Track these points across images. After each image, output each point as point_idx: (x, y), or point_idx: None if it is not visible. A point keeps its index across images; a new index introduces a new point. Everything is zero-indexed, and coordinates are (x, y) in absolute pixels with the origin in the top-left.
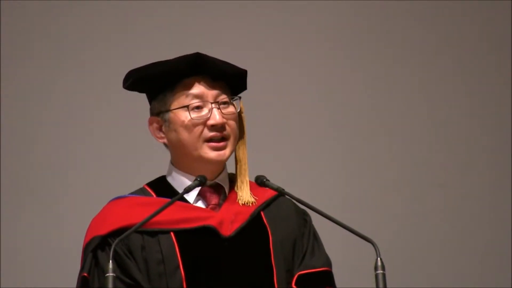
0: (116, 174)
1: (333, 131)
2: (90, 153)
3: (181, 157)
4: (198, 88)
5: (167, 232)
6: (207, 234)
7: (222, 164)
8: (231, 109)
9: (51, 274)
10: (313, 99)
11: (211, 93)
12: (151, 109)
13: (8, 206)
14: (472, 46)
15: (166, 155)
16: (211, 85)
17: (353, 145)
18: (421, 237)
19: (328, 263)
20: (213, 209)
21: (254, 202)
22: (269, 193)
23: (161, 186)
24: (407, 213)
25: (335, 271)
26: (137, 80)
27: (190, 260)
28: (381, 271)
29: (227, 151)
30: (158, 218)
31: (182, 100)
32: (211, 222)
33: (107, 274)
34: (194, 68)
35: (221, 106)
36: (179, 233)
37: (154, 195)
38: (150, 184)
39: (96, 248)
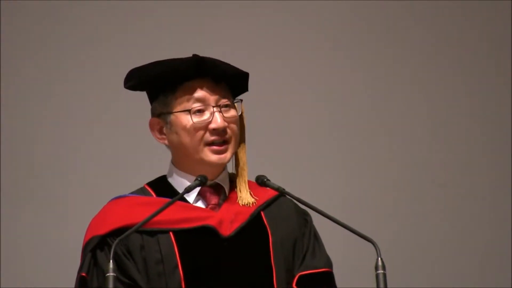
0: (117, 174)
1: (333, 131)
2: (90, 153)
3: (182, 158)
4: (200, 91)
5: (166, 232)
6: (206, 234)
7: (222, 166)
8: (232, 112)
9: (51, 274)
10: (313, 99)
11: (213, 97)
12: (152, 110)
13: (8, 206)
14: (472, 46)
15: (167, 155)
16: (213, 88)
17: (353, 145)
18: (421, 237)
19: (329, 263)
20: (213, 209)
21: (254, 203)
22: (270, 193)
23: (161, 186)
24: (407, 213)
25: (335, 271)
26: (138, 82)
27: (189, 260)
28: (382, 271)
29: (228, 154)
30: (157, 218)
31: (184, 103)
32: (211, 222)
33: (107, 274)
34: (197, 71)
35: (223, 109)
36: (178, 233)
37: (154, 195)
38: (150, 184)
39: (95, 248)
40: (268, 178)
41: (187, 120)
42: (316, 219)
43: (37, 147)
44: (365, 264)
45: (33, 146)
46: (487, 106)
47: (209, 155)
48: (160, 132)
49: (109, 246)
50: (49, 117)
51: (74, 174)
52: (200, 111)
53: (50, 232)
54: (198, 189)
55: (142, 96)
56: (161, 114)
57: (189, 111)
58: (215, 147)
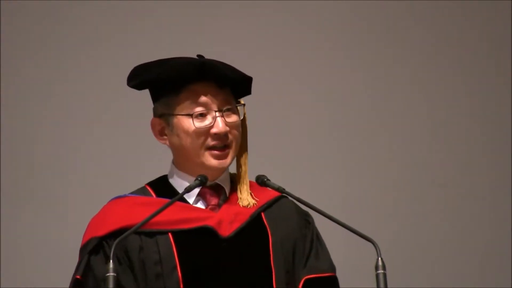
0: (117, 174)
1: (333, 131)
2: (90, 153)
3: (182, 160)
4: (203, 95)
5: (165, 232)
6: (205, 234)
7: (223, 170)
8: (234, 116)
9: (51, 274)
10: (313, 99)
11: (215, 101)
12: (154, 110)
13: (8, 206)
14: (472, 46)
15: (167, 155)
16: (216, 92)
17: (353, 145)
18: (421, 237)
19: (333, 267)
20: (212, 209)
21: (255, 204)
22: (271, 194)
23: (161, 186)
24: (407, 213)
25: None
26: (142, 81)
27: (188, 261)
28: (382, 271)
29: (228, 160)
30: (157, 218)
31: (187, 106)
32: (210, 222)
33: (107, 274)
34: (201, 75)
35: (225, 113)
36: (177, 234)
37: (154, 195)
38: (151, 184)
39: (92, 251)
40: (268, 178)
41: (189, 123)
42: (316, 219)
43: (37, 147)
44: (365, 264)
45: (33, 146)
46: (487, 106)
47: (210, 160)
48: (162, 133)
49: (106, 249)
50: (49, 117)
51: (74, 174)
52: (202, 115)
53: (50, 232)
54: (198, 189)
55: (142, 96)
56: (163, 115)
57: (191, 115)
58: (216, 152)
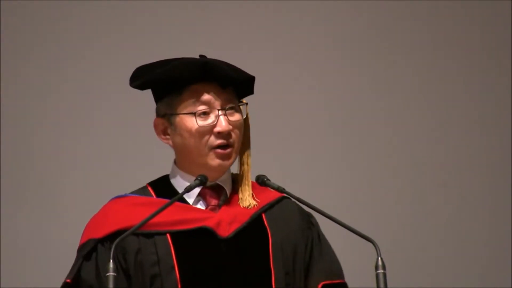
0: (117, 174)
1: (333, 131)
2: (91, 152)
3: (185, 159)
4: (206, 95)
5: (163, 233)
6: (204, 235)
7: (225, 170)
8: (237, 115)
9: (51, 274)
10: (313, 99)
11: (218, 100)
12: (156, 110)
13: (8, 206)
14: (472, 46)
15: (168, 155)
16: (219, 91)
17: (353, 145)
18: (421, 237)
19: (342, 272)
20: (212, 210)
21: (255, 205)
22: (273, 195)
23: (162, 186)
24: (407, 213)
25: None
26: (144, 81)
27: (186, 261)
28: (382, 271)
29: (230, 160)
30: (155, 219)
31: (189, 105)
32: (208, 223)
33: (107, 274)
34: (204, 75)
35: (228, 112)
36: (175, 235)
37: (154, 195)
38: (152, 184)
39: (86, 255)
40: (269, 178)
41: (192, 122)
42: (316, 219)
43: (37, 147)
44: (365, 264)
45: (33, 146)
46: (487, 106)
47: (213, 159)
48: (164, 132)
49: (99, 255)
50: (49, 117)
51: (74, 174)
52: (205, 114)
53: (50, 232)
54: (198, 190)
55: (143, 96)
56: (165, 115)
57: (194, 113)
58: (219, 151)
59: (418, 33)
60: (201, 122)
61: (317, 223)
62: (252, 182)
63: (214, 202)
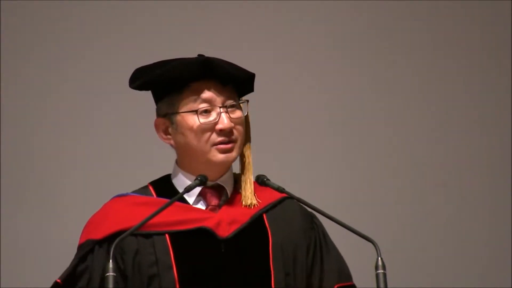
0: (117, 174)
1: (333, 131)
2: (91, 153)
3: (186, 158)
4: (206, 92)
5: (162, 234)
6: (203, 235)
7: (228, 166)
8: (238, 113)
9: (51, 274)
10: (313, 99)
11: (219, 97)
12: (157, 110)
13: (8, 206)
14: (472, 46)
15: (169, 154)
16: (220, 89)
17: (353, 145)
18: (421, 237)
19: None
20: (212, 210)
21: (257, 204)
22: (275, 196)
23: (163, 186)
24: (407, 213)
25: None
26: (144, 82)
27: (184, 262)
28: (382, 271)
29: (234, 154)
30: (154, 220)
31: (191, 104)
32: (207, 223)
33: (107, 274)
34: (204, 73)
35: (229, 110)
36: (174, 235)
37: (155, 195)
38: (153, 183)
39: (84, 256)
40: (269, 177)
41: (194, 120)
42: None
43: (37, 147)
44: (365, 264)
45: (33, 146)
46: (487, 106)
47: (216, 155)
48: (166, 132)
49: (95, 260)
50: (49, 117)
51: (74, 174)
52: (207, 112)
53: (50, 232)
54: (199, 189)
55: (143, 96)
56: (166, 114)
57: (195, 111)
58: (221, 146)
59: (418, 33)
60: (203, 120)
61: (320, 224)
62: (255, 182)
63: (214, 202)
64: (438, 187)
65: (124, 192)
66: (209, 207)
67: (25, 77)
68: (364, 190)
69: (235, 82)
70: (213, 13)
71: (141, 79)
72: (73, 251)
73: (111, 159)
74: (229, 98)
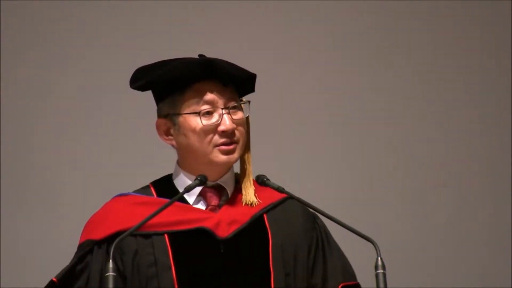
0: (117, 173)
1: (333, 131)
2: (91, 153)
3: (188, 159)
4: (208, 94)
5: (161, 234)
6: (202, 235)
7: (229, 166)
8: (240, 114)
9: (51, 274)
10: (313, 99)
11: (221, 99)
12: (158, 111)
13: (8, 206)
14: (472, 46)
15: (169, 155)
16: (221, 90)
17: (354, 145)
18: (421, 237)
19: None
20: (212, 210)
21: (258, 203)
22: (275, 196)
23: (164, 186)
24: (407, 213)
25: None
26: (145, 83)
27: (183, 262)
28: (382, 271)
29: (236, 155)
30: (154, 220)
31: (193, 105)
32: (207, 223)
33: (107, 274)
34: (206, 74)
35: (231, 111)
36: (173, 235)
37: (155, 195)
38: (154, 183)
39: (82, 256)
40: (269, 177)
41: (196, 122)
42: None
43: (37, 147)
44: (365, 264)
45: (33, 146)
46: (487, 106)
47: (219, 156)
48: (167, 133)
49: (93, 262)
50: (49, 117)
51: (74, 174)
52: (209, 113)
53: (50, 232)
54: (199, 190)
55: (143, 96)
56: (168, 115)
57: (198, 113)
58: (223, 147)
59: (418, 33)
60: (205, 122)
61: (323, 224)
62: (255, 182)
63: (214, 202)
64: (438, 187)
65: (125, 191)
66: (209, 207)
67: (25, 77)
68: (364, 190)
69: (236, 83)
70: (213, 13)
71: (143, 79)
72: (73, 251)
73: (111, 159)
74: (230, 99)
